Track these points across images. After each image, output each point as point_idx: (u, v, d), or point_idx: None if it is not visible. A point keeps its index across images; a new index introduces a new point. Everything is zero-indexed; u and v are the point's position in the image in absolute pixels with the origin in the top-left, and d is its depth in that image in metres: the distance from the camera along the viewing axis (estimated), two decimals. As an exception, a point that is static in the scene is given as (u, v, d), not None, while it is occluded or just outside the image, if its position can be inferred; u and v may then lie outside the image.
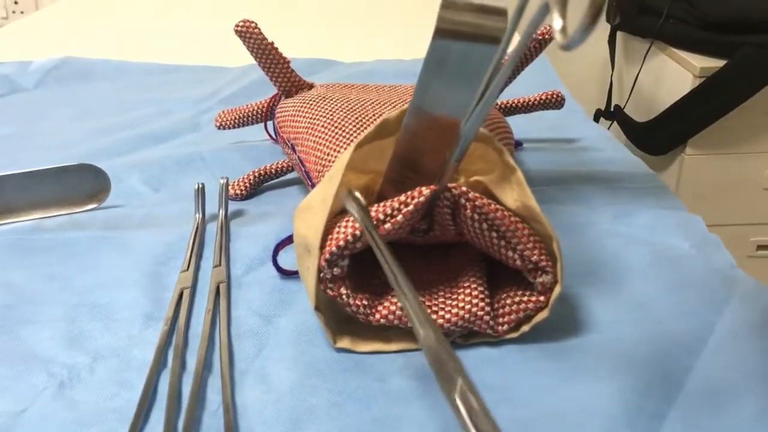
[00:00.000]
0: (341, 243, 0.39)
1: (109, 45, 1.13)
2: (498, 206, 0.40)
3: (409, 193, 0.39)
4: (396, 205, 0.39)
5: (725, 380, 0.39)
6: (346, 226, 0.40)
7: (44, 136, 0.78)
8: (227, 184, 0.58)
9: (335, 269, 0.40)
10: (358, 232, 0.39)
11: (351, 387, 0.39)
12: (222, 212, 0.57)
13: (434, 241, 0.44)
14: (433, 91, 0.37)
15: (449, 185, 0.39)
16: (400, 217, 0.39)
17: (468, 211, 0.40)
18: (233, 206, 0.61)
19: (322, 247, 0.40)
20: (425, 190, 0.39)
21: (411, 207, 0.39)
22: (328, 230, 0.41)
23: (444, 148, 0.37)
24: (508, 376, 0.40)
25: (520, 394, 0.38)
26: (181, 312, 0.45)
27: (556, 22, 0.25)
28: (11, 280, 0.49)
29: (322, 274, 0.40)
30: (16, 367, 0.41)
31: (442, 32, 0.34)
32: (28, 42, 1.17)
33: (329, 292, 0.40)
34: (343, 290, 0.40)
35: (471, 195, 0.40)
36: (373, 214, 0.40)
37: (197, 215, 0.57)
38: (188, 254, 0.51)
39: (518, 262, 0.41)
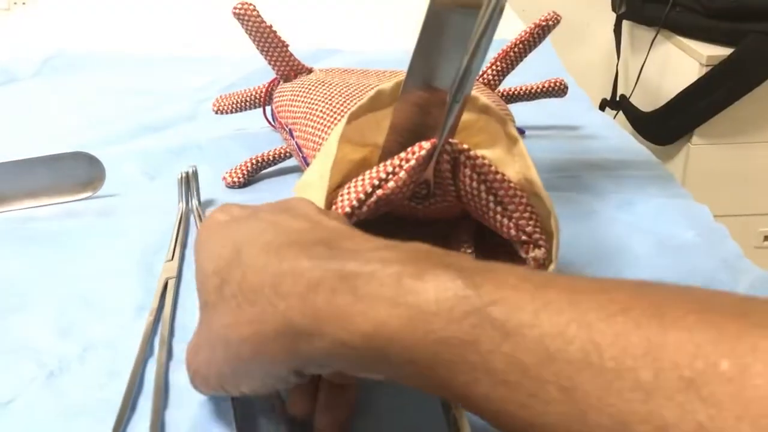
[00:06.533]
0: (347, 210, 0.38)
1: (108, 34, 1.12)
2: (498, 170, 0.39)
3: (409, 149, 0.38)
4: (397, 162, 0.38)
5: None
6: (349, 194, 0.39)
7: (41, 125, 0.77)
8: (196, 173, 0.57)
9: None
10: (362, 195, 0.38)
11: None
12: (194, 202, 0.56)
13: (434, 212, 0.42)
14: (432, 60, 0.36)
15: (450, 140, 0.38)
16: (402, 174, 0.37)
17: (467, 169, 0.39)
18: (231, 194, 0.60)
19: None
20: (426, 144, 0.37)
21: (413, 162, 0.37)
22: (329, 204, 0.40)
23: (441, 119, 0.36)
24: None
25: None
26: (167, 302, 0.45)
27: None
28: (2, 270, 0.49)
29: None
30: (5, 357, 0.40)
31: (438, 2, 0.34)
32: (27, 32, 1.16)
33: None
34: None
35: (471, 153, 0.38)
36: (374, 174, 0.38)
37: (180, 204, 0.56)
38: (172, 244, 0.51)
39: (512, 232, 0.39)
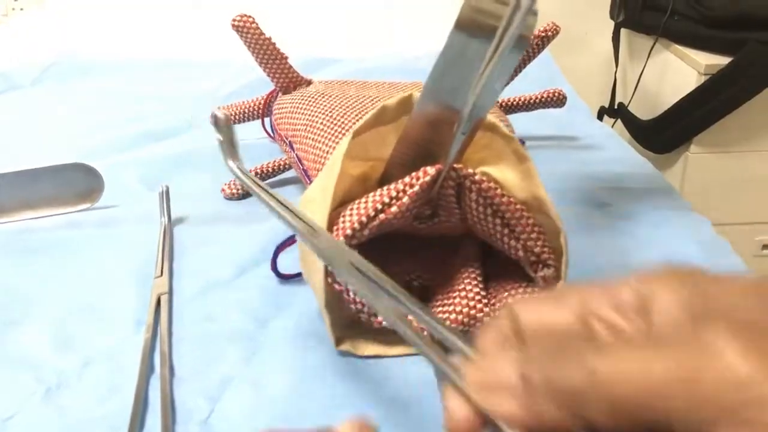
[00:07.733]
0: (348, 232, 0.38)
1: (107, 40, 1.12)
2: (503, 192, 0.39)
3: (414, 174, 0.38)
4: (401, 186, 0.38)
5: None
6: (351, 215, 0.38)
7: (41, 133, 0.77)
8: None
9: None
10: (364, 219, 0.38)
11: (347, 392, 0.38)
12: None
13: (438, 230, 0.42)
14: (448, 80, 0.35)
15: (455, 165, 0.38)
16: (406, 199, 0.37)
17: (473, 194, 0.38)
18: (229, 206, 0.60)
19: None
20: (430, 170, 0.37)
21: (417, 188, 0.37)
22: (332, 222, 0.40)
23: (450, 137, 0.36)
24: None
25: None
26: (162, 318, 0.44)
27: None
28: (1, 282, 0.48)
29: (330, 267, 0.38)
30: (3, 372, 0.40)
31: (461, 24, 0.33)
32: (27, 38, 1.15)
33: (336, 286, 0.39)
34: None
35: (476, 177, 0.38)
36: (377, 197, 0.38)
37: (163, 219, 0.55)
38: (159, 259, 0.50)
39: (520, 253, 0.39)
